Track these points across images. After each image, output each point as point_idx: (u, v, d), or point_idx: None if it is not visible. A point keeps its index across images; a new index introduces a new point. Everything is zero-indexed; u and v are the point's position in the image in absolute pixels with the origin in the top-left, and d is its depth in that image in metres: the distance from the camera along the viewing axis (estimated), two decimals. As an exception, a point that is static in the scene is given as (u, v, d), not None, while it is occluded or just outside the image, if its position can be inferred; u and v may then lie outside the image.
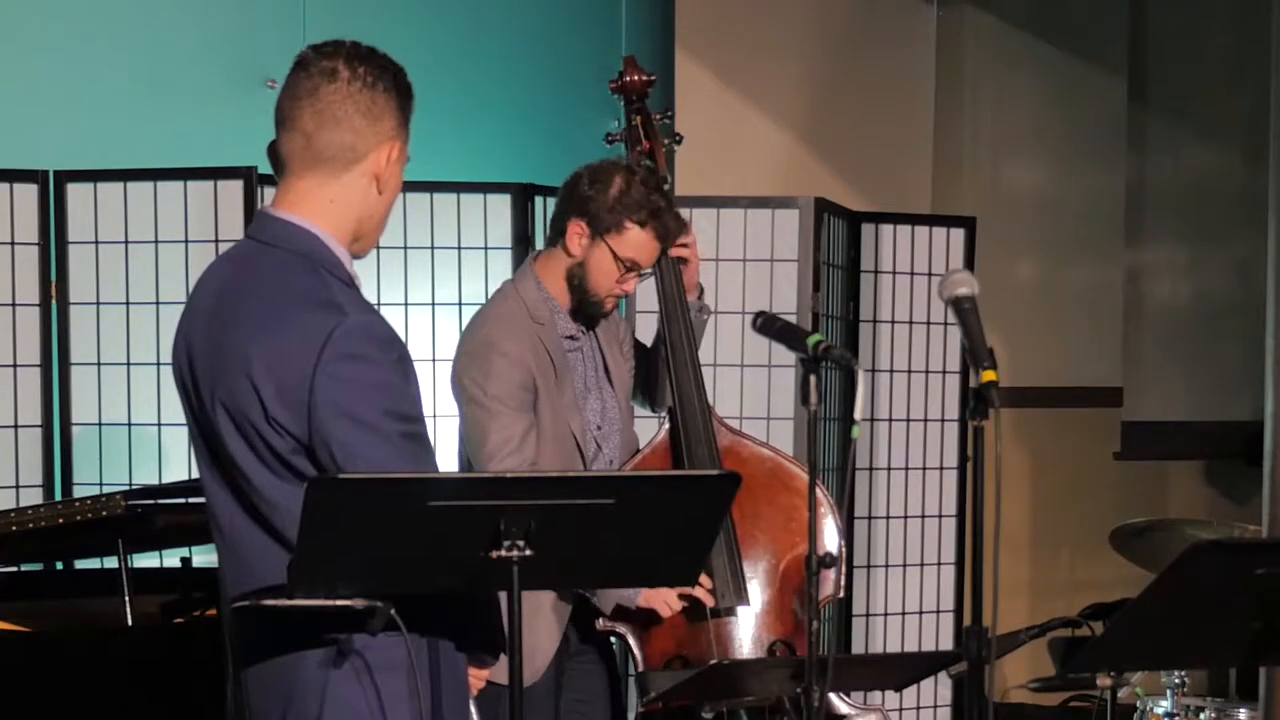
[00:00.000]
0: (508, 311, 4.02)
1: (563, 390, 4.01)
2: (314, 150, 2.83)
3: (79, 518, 3.90)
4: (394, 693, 2.78)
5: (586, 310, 4.05)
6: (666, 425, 4.16)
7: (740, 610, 4.07)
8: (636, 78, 4.32)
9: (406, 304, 5.17)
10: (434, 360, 5.06)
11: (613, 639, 4.15)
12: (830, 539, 4.14)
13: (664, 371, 4.18)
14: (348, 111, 2.82)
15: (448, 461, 4.23)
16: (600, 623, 4.03)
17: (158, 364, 4.95)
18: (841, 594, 4.18)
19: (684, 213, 5.15)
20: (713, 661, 3.96)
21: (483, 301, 4.88)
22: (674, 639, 4.06)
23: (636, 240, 3.98)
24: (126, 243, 4.98)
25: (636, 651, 4.03)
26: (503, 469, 3.86)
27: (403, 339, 2.82)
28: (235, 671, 2.85)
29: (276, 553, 2.75)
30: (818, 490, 4.07)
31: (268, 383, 2.72)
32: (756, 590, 4.10)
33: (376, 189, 2.87)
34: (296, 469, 2.74)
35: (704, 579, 4.01)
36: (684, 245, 4.19)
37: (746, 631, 4.08)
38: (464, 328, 4.12)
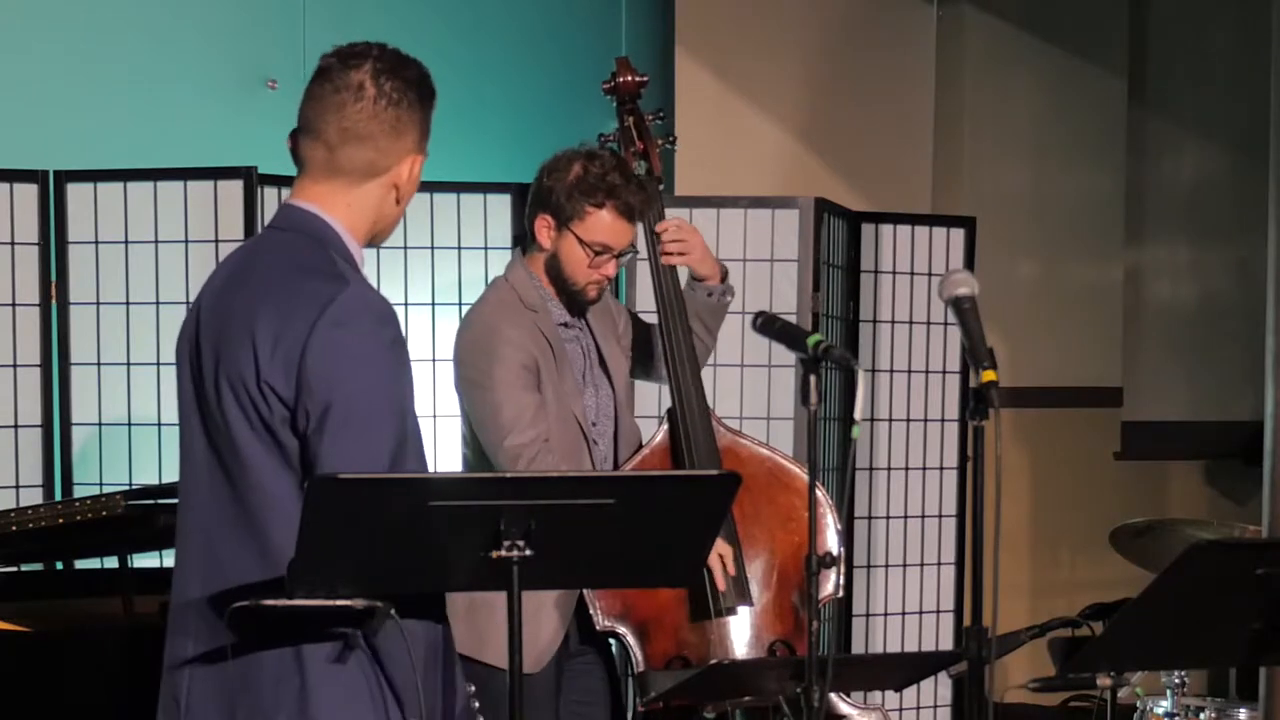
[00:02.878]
0: (502, 299, 4.03)
1: (563, 375, 4.02)
2: (335, 163, 2.87)
3: (79, 518, 3.89)
4: (392, 692, 2.79)
5: (573, 300, 4.06)
6: (666, 425, 4.16)
7: (741, 610, 4.08)
8: (629, 79, 4.33)
9: (406, 304, 5.17)
10: (434, 360, 5.06)
11: (612, 639, 4.15)
12: (830, 539, 4.14)
13: (663, 364, 4.18)
14: (372, 130, 2.85)
15: (448, 462, 4.23)
16: (600, 623, 4.03)
17: (158, 364, 4.95)
18: (841, 594, 4.18)
19: (684, 213, 5.16)
20: (713, 661, 3.96)
21: (482, 301, 4.88)
22: (674, 639, 4.06)
23: (599, 223, 3.97)
24: (126, 243, 4.98)
25: (637, 652, 4.03)
26: (520, 442, 3.87)
27: (402, 326, 2.84)
28: (185, 669, 2.84)
29: (249, 541, 2.76)
30: (819, 490, 4.08)
31: (265, 343, 2.75)
32: (756, 590, 4.10)
33: (394, 198, 2.91)
34: (281, 441, 2.75)
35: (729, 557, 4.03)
36: (677, 246, 4.16)
37: (747, 631, 4.08)
38: (461, 322, 4.13)
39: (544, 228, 4.01)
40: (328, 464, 2.69)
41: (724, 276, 4.26)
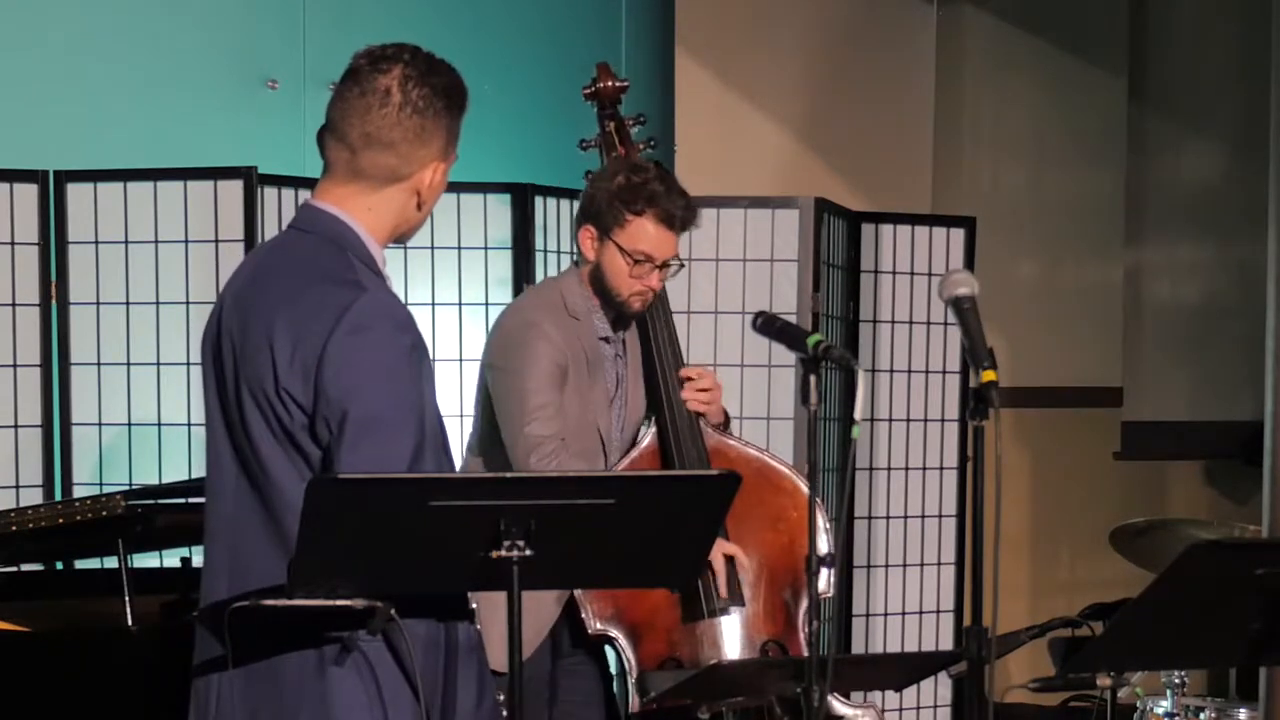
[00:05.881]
0: (548, 301, 4.05)
1: (595, 385, 4.03)
2: (357, 166, 2.87)
3: (79, 518, 3.89)
4: (395, 692, 2.79)
5: (619, 313, 4.07)
6: (654, 427, 4.16)
7: (733, 611, 4.08)
8: (610, 84, 4.34)
9: (406, 304, 5.16)
10: (434, 360, 5.05)
11: (605, 644, 4.14)
12: (821, 538, 4.14)
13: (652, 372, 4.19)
14: (394, 138, 2.85)
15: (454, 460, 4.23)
16: (593, 627, 4.02)
17: (157, 364, 4.95)
18: (831, 593, 4.19)
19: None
20: (712, 662, 3.96)
21: (483, 301, 4.87)
22: (667, 640, 4.06)
23: (640, 231, 3.98)
24: (126, 243, 4.98)
25: (630, 654, 4.02)
26: (544, 434, 3.89)
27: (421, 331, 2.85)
28: (212, 670, 2.85)
29: (275, 544, 2.77)
30: (805, 489, 4.10)
31: (283, 350, 2.76)
32: (747, 591, 4.10)
33: (416, 204, 2.91)
34: (302, 447, 2.76)
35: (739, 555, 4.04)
36: (703, 397, 4.16)
37: (738, 632, 4.09)
38: (502, 311, 4.15)
39: (587, 238, 4.03)
40: (346, 471, 2.69)
41: (725, 424, 4.25)
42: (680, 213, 4.00)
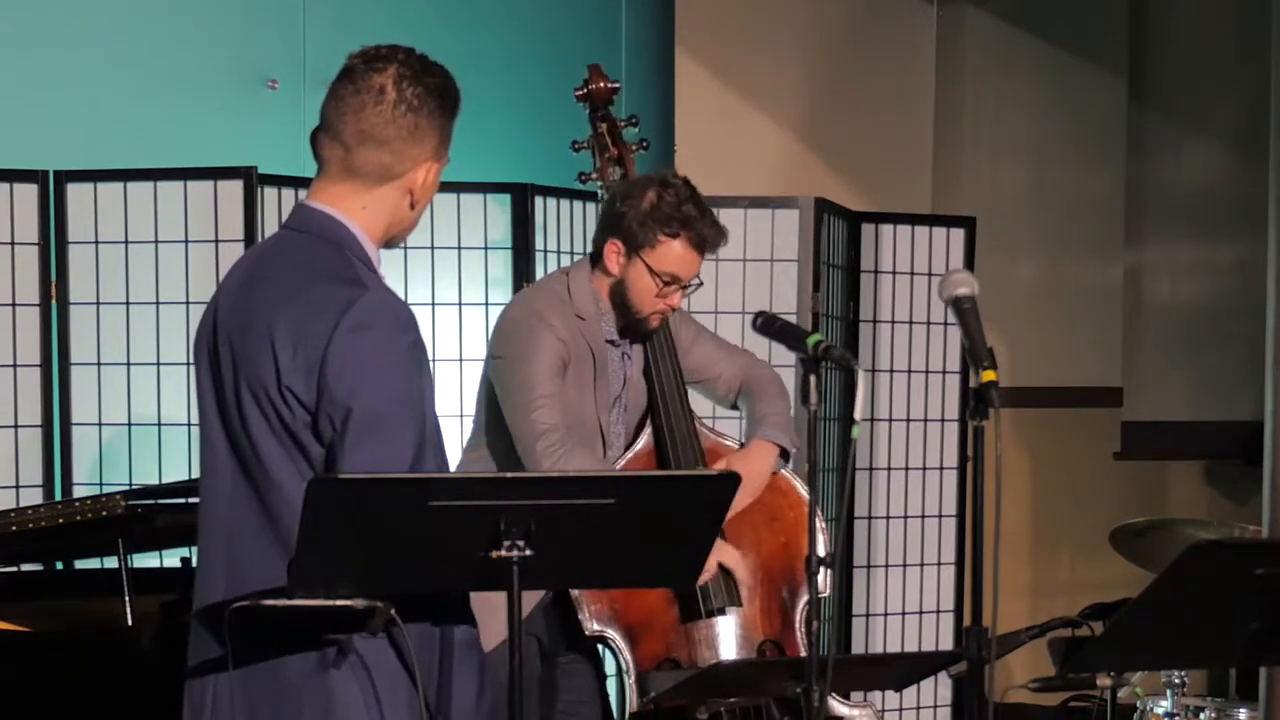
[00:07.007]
0: (555, 296, 4.05)
1: (600, 386, 4.03)
2: (351, 164, 2.87)
3: (79, 518, 3.89)
4: (391, 693, 2.79)
5: (632, 327, 4.07)
6: (650, 429, 4.16)
7: (730, 611, 4.08)
8: (601, 85, 4.35)
9: (406, 304, 5.16)
10: (434, 360, 5.05)
11: (600, 644, 4.13)
12: (818, 538, 4.15)
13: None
14: (389, 135, 2.85)
15: (454, 461, 4.23)
16: (590, 628, 4.02)
17: (157, 364, 4.95)
18: (827, 593, 4.19)
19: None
20: (714, 661, 3.96)
21: (482, 302, 4.86)
22: (664, 642, 4.05)
23: (670, 253, 3.98)
24: (126, 243, 4.98)
25: (627, 655, 4.02)
26: (552, 423, 3.89)
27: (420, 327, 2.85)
28: (208, 671, 2.85)
29: (272, 544, 2.77)
30: (801, 489, 4.11)
31: (285, 349, 2.76)
32: (744, 592, 4.10)
33: (409, 203, 2.91)
34: (304, 445, 2.76)
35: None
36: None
37: (736, 632, 4.09)
38: (508, 304, 4.16)
39: (614, 253, 4.02)
40: (348, 469, 2.70)
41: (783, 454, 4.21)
42: (711, 236, 4.01)
